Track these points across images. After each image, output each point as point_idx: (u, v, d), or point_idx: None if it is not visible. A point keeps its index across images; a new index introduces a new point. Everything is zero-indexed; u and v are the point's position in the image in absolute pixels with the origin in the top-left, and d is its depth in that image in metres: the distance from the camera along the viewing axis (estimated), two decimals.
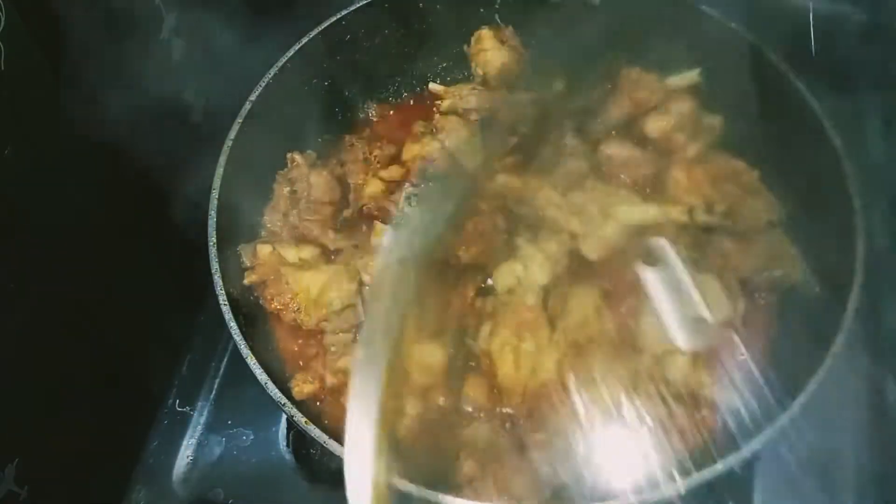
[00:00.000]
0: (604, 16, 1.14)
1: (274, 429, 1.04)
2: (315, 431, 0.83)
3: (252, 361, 0.86)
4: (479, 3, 1.21)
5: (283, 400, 0.84)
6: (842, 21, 1.26)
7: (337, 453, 0.81)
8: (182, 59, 1.17)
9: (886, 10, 1.20)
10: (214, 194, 0.97)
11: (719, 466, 0.80)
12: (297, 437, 1.04)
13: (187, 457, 1.03)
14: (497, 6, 1.21)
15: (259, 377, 0.86)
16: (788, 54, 1.08)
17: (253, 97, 1.04)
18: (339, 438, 0.82)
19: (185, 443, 1.04)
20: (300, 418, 0.83)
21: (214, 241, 0.94)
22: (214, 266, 0.92)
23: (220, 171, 0.98)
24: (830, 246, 0.97)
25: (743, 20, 1.10)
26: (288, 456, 1.03)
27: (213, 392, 1.08)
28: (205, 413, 1.06)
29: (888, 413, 1.06)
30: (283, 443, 1.03)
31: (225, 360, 1.10)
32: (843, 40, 1.39)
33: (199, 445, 1.04)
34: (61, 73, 0.92)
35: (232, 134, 1.02)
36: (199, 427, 1.05)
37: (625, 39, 1.14)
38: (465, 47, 1.22)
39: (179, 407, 1.07)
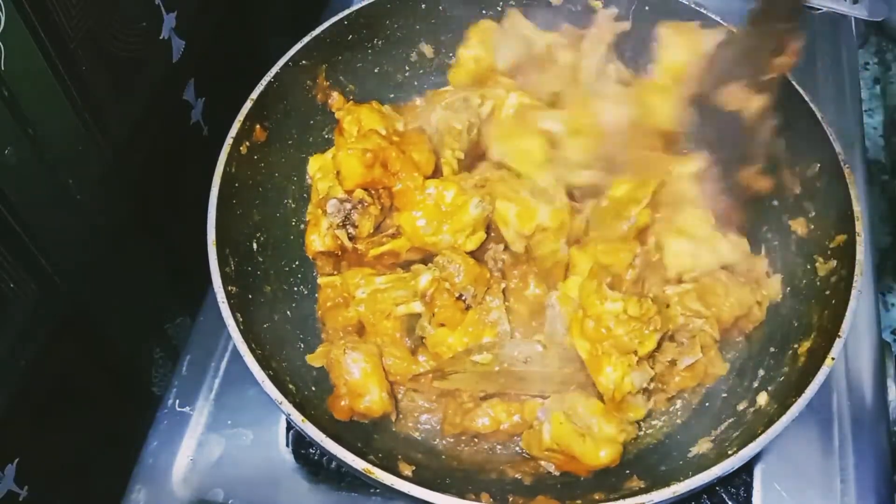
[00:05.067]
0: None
1: (274, 429, 1.04)
2: (312, 430, 0.82)
3: (250, 359, 0.86)
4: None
5: (281, 398, 0.84)
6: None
7: (333, 452, 0.81)
8: (182, 59, 1.17)
9: None
10: (214, 192, 0.97)
11: (716, 470, 0.80)
12: (297, 437, 1.04)
13: (187, 457, 1.03)
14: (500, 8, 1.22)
15: (256, 375, 0.86)
16: None
17: (254, 95, 1.04)
18: (335, 437, 0.83)
19: (185, 443, 1.04)
20: (297, 417, 0.83)
21: (214, 239, 0.94)
22: (214, 265, 0.92)
23: (219, 169, 0.98)
24: (830, 250, 0.98)
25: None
26: (288, 456, 1.03)
27: (213, 392, 1.07)
28: (205, 413, 1.06)
29: (888, 414, 1.06)
30: (283, 443, 1.03)
31: (225, 360, 1.10)
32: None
33: (199, 445, 1.03)
34: (61, 73, 0.92)
35: (232, 132, 1.01)
36: (199, 427, 1.05)
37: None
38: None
39: (179, 407, 1.06)
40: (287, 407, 0.84)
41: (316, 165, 1.10)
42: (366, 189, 1.01)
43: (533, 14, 1.20)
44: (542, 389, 0.96)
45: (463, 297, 0.98)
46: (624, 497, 0.79)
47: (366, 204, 1.00)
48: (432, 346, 0.98)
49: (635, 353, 0.91)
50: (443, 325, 0.98)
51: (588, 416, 0.93)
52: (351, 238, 1.02)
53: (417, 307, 0.98)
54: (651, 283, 1.01)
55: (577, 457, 0.90)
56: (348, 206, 1.00)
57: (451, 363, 0.96)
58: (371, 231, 1.02)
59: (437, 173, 1.06)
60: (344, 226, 1.01)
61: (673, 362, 0.97)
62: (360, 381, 0.95)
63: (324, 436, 0.82)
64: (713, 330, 0.98)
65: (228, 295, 0.91)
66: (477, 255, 1.04)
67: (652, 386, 0.95)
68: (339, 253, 1.03)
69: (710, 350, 0.99)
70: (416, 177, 1.01)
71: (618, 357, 0.91)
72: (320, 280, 1.04)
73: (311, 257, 1.06)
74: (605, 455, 0.90)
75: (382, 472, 0.79)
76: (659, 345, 0.94)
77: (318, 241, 1.02)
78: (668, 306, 0.98)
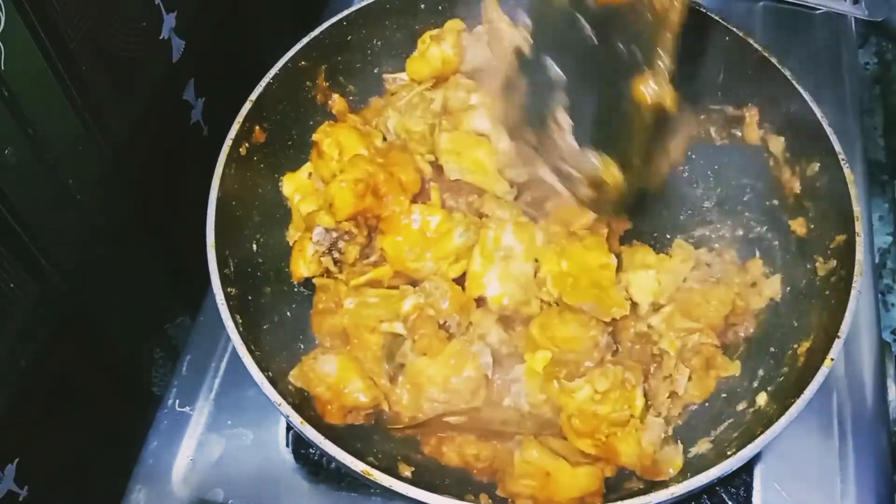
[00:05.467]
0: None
1: (274, 429, 1.04)
2: (311, 432, 0.82)
3: (249, 361, 0.86)
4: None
5: (280, 400, 0.84)
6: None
7: (332, 453, 0.81)
8: (182, 59, 1.17)
9: None
10: (213, 194, 0.97)
11: (715, 471, 0.80)
12: (297, 437, 1.04)
13: (187, 457, 1.03)
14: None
15: (255, 377, 0.85)
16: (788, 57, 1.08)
17: (253, 96, 1.04)
18: (335, 438, 0.82)
19: (185, 443, 1.03)
20: (296, 419, 0.83)
21: (213, 240, 0.94)
22: (213, 267, 0.92)
23: (219, 171, 0.98)
24: (830, 250, 0.98)
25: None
26: (288, 456, 1.03)
27: (213, 392, 1.07)
28: (205, 413, 1.06)
29: (888, 414, 1.06)
30: (283, 443, 1.03)
31: (225, 360, 1.10)
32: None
33: (199, 445, 1.03)
34: (61, 73, 0.92)
35: (231, 133, 1.01)
36: (199, 427, 1.05)
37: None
38: None
39: (179, 407, 1.06)
40: (286, 409, 0.84)
41: (292, 186, 1.08)
42: (353, 218, 1.00)
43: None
44: (517, 440, 0.94)
45: (447, 325, 0.96)
46: (623, 498, 0.79)
47: (353, 234, 1.00)
48: (411, 376, 0.95)
49: (632, 416, 0.90)
50: (424, 353, 0.96)
51: (563, 448, 0.91)
52: (336, 263, 1.02)
53: (399, 328, 0.97)
54: (625, 333, 1.00)
55: (552, 475, 0.87)
56: (335, 234, 1.00)
57: (425, 422, 0.94)
58: (357, 257, 1.02)
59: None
60: (330, 252, 1.01)
61: (674, 393, 0.96)
62: (339, 377, 0.93)
63: (322, 438, 0.82)
64: (711, 338, 0.98)
65: (228, 296, 0.91)
66: (461, 282, 1.02)
67: (670, 431, 0.94)
68: (325, 276, 1.03)
69: (716, 357, 0.98)
70: (403, 200, 1.00)
71: (622, 432, 0.90)
72: (316, 280, 1.04)
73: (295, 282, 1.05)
74: (584, 472, 0.87)
75: (381, 474, 0.79)
76: (646, 394, 0.93)
77: (304, 267, 1.02)
78: (656, 342, 0.97)
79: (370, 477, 0.79)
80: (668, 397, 0.95)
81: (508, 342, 0.99)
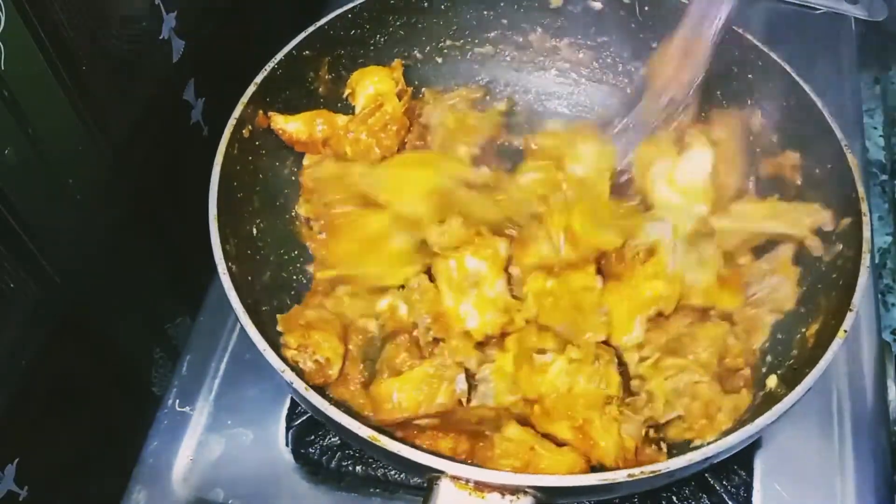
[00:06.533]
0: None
1: (274, 428, 1.04)
2: (315, 398, 0.80)
3: (252, 329, 0.84)
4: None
5: (283, 367, 0.83)
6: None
7: (337, 419, 0.79)
8: (182, 59, 1.17)
9: None
10: (216, 170, 0.96)
11: (734, 438, 0.79)
12: (297, 437, 1.04)
13: (187, 457, 1.03)
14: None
15: (258, 344, 0.84)
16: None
17: (258, 80, 1.04)
18: (338, 405, 0.81)
19: (185, 443, 1.03)
20: (300, 385, 0.81)
21: (216, 213, 0.93)
22: (215, 238, 0.91)
23: (222, 149, 0.98)
24: (835, 235, 0.97)
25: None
26: (288, 456, 1.03)
27: (213, 392, 1.07)
28: (205, 413, 1.06)
29: (888, 414, 1.06)
30: (283, 443, 1.03)
31: (225, 360, 1.10)
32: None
33: (199, 445, 1.03)
34: (61, 73, 0.92)
35: (236, 113, 1.01)
36: (199, 427, 1.05)
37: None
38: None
39: (179, 407, 1.06)
40: (289, 375, 0.82)
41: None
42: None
43: (533, 17, 1.21)
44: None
45: (418, 336, 0.94)
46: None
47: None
48: (376, 394, 0.90)
49: (609, 400, 0.87)
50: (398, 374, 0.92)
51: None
52: None
53: (371, 327, 0.96)
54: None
55: (536, 450, 0.84)
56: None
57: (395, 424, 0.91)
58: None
59: None
60: None
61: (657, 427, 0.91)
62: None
63: (327, 404, 0.80)
64: (704, 374, 0.91)
65: (230, 270, 0.89)
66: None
67: (653, 434, 0.91)
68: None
69: (718, 399, 0.92)
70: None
71: (599, 418, 0.85)
72: (317, 273, 1.04)
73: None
74: (569, 450, 0.84)
75: (387, 439, 0.77)
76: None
77: (303, 205, 1.10)
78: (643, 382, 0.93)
79: (377, 443, 0.77)
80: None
81: (484, 359, 0.95)
